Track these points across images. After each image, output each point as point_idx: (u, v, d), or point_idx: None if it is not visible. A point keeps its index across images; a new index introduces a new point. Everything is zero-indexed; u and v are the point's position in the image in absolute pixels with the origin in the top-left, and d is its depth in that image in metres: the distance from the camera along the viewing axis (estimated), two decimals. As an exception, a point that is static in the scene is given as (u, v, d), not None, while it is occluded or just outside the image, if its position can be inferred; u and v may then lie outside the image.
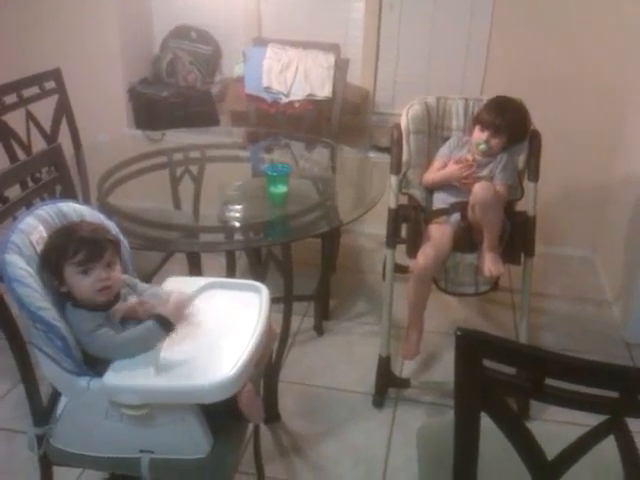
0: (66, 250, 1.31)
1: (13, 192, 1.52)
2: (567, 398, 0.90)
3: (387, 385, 2.20)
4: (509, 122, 2.13)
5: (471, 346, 0.91)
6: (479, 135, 2.15)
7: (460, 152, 2.21)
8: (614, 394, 0.88)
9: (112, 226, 1.50)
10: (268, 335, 1.46)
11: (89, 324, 1.30)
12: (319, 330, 2.58)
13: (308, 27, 3.20)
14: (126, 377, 1.26)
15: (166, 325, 1.31)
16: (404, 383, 2.21)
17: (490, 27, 3.00)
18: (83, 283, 1.32)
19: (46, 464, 1.45)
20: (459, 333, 0.90)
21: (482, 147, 2.14)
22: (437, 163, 2.23)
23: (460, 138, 2.25)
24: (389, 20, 3.15)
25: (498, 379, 0.92)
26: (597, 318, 2.76)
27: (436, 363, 2.38)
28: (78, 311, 1.33)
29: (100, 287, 1.32)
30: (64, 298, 1.34)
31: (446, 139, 2.29)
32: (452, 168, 2.16)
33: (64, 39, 3.23)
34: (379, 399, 2.19)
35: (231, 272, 2.46)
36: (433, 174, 2.22)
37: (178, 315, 1.33)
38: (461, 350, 0.91)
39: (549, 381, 0.90)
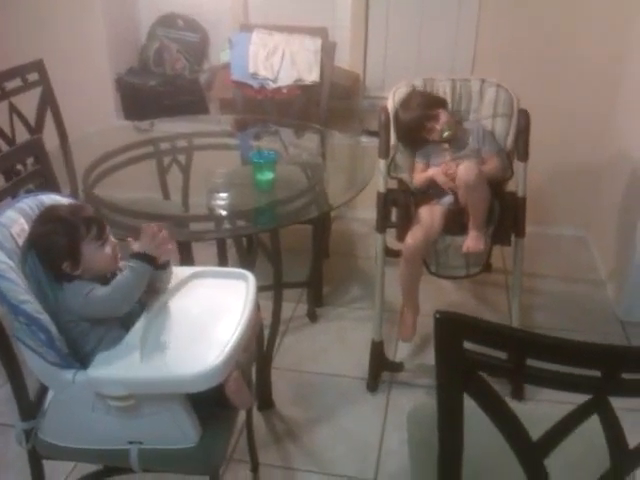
0: (78, 230, 1.34)
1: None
2: (548, 378, 0.89)
3: (380, 369, 2.20)
4: (424, 99, 2.17)
5: (450, 328, 0.90)
6: (439, 123, 2.12)
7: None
8: (597, 373, 0.87)
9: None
10: (255, 321, 1.46)
11: (86, 287, 1.33)
12: (312, 317, 2.58)
13: (296, 11, 3.15)
14: (111, 368, 1.26)
15: (146, 258, 1.36)
16: (398, 367, 2.21)
17: (479, 7, 2.96)
18: (105, 254, 1.37)
19: (35, 458, 1.44)
20: (438, 316, 0.89)
21: (448, 133, 2.13)
22: (421, 165, 2.21)
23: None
24: (377, 1, 3.11)
25: (478, 361, 0.91)
26: (591, 297, 2.75)
27: (429, 346, 2.37)
28: (73, 283, 1.34)
29: (116, 252, 1.40)
30: (64, 279, 1.35)
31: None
32: (433, 171, 2.15)
33: (47, 29, 3.19)
34: (373, 383, 2.19)
35: (223, 261, 2.45)
36: (419, 176, 2.19)
37: (153, 246, 1.38)
38: (440, 333, 0.91)
39: (532, 362, 0.89)
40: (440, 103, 2.18)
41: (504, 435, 0.98)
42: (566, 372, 0.89)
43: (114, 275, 1.39)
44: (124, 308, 1.35)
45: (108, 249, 1.39)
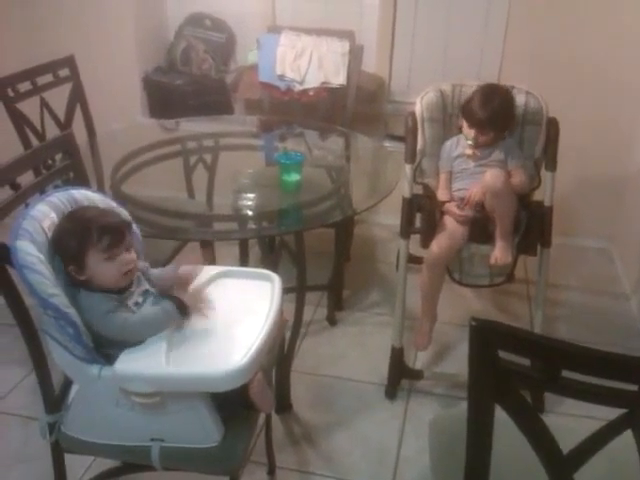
0: (89, 236, 1.31)
1: (26, 179, 1.52)
2: (583, 390, 0.88)
3: (400, 376, 2.18)
4: (491, 117, 2.07)
5: (486, 336, 0.89)
6: (468, 131, 2.12)
7: (457, 150, 2.16)
8: (632, 387, 0.86)
9: (123, 212, 1.49)
10: (279, 323, 1.45)
11: (106, 305, 1.30)
12: (332, 320, 2.57)
13: (323, 14, 3.17)
14: (137, 365, 1.26)
15: (182, 309, 1.32)
16: (417, 374, 2.20)
17: (508, 12, 2.95)
18: (109, 269, 1.32)
19: (58, 451, 1.45)
20: (474, 323, 0.88)
21: (470, 143, 2.12)
22: (443, 176, 2.19)
23: (452, 139, 2.21)
24: (405, 6, 3.11)
25: (513, 370, 0.90)
26: (614, 310, 2.72)
27: (449, 355, 2.36)
28: (93, 295, 1.32)
29: (125, 270, 1.33)
30: (77, 284, 1.33)
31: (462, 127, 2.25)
32: (451, 210, 2.12)
33: (79, 27, 3.23)
34: (391, 390, 2.17)
35: (244, 261, 2.44)
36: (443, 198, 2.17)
37: (194, 304, 1.35)
38: (475, 340, 0.89)
39: (565, 373, 0.88)
40: (482, 125, 2.08)
41: (534, 448, 0.96)
42: (602, 385, 0.88)
43: (127, 287, 1.36)
44: (140, 339, 1.31)
45: (114, 266, 1.32)
